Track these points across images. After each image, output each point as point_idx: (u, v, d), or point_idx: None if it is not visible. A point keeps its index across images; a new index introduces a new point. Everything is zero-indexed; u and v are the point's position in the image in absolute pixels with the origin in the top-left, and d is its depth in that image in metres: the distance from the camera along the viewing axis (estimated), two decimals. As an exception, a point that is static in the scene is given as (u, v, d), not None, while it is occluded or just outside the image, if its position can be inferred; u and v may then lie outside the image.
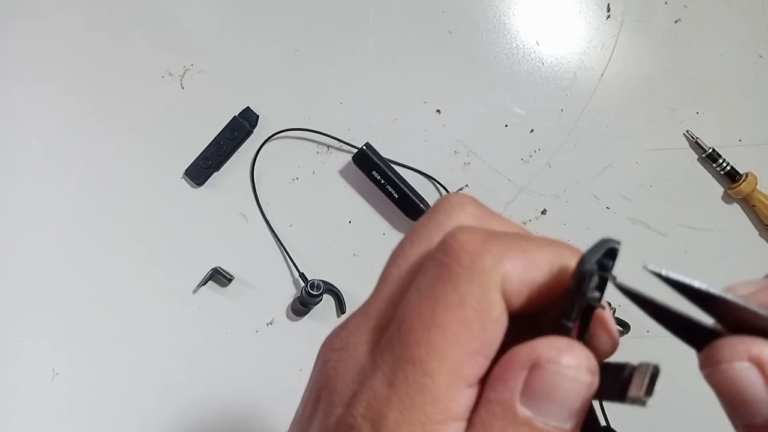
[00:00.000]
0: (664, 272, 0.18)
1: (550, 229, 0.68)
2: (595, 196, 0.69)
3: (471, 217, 0.20)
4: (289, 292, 0.66)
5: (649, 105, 0.70)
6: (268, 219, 0.66)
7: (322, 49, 0.69)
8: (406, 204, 0.66)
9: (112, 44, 0.68)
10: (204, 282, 0.64)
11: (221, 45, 0.68)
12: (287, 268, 0.66)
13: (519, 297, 0.18)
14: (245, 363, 0.65)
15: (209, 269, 0.65)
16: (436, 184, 0.68)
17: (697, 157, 0.70)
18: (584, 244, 0.18)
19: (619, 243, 0.18)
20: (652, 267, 0.18)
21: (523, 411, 0.17)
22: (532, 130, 0.69)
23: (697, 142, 0.69)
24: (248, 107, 0.67)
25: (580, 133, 0.69)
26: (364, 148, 0.65)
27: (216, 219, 0.67)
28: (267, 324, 0.66)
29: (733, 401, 0.17)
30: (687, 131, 0.70)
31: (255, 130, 0.67)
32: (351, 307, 0.65)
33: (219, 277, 0.65)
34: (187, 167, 0.66)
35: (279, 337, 0.66)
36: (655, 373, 0.17)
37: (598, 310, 0.19)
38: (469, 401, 0.17)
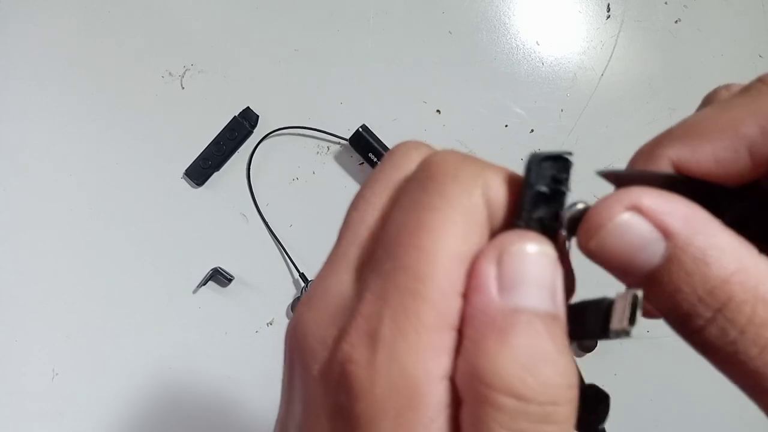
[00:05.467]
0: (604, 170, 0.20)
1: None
2: (595, 196, 0.69)
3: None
4: (289, 292, 0.66)
5: (649, 105, 0.70)
6: (269, 219, 0.66)
7: (322, 49, 0.69)
8: None
9: (112, 44, 0.68)
10: (204, 282, 0.64)
11: (221, 45, 0.68)
12: (287, 268, 0.66)
13: (497, 210, 0.18)
14: (245, 363, 0.65)
15: (209, 269, 0.65)
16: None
17: (697, 157, 0.70)
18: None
19: (571, 154, 0.18)
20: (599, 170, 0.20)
21: (506, 305, 0.16)
22: (532, 130, 0.69)
23: (697, 142, 0.69)
24: (248, 107, 0.67)
25: (580, 133, 0.69)
26: (360, 129, 0.65)
27: (216, 219, 0.67)
28: (267, 324, 0.66)
29: (630, 260, 0.16)
30: (687, 131, 0.70)
31: (255, 131, 0.67)
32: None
33: (219, 277, 0.65)
34: (187, 167, 0.66)
35: (279, 337, 0.65)
36: (635, 301, 0.16)
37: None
38: (461, 311, 0.17)
